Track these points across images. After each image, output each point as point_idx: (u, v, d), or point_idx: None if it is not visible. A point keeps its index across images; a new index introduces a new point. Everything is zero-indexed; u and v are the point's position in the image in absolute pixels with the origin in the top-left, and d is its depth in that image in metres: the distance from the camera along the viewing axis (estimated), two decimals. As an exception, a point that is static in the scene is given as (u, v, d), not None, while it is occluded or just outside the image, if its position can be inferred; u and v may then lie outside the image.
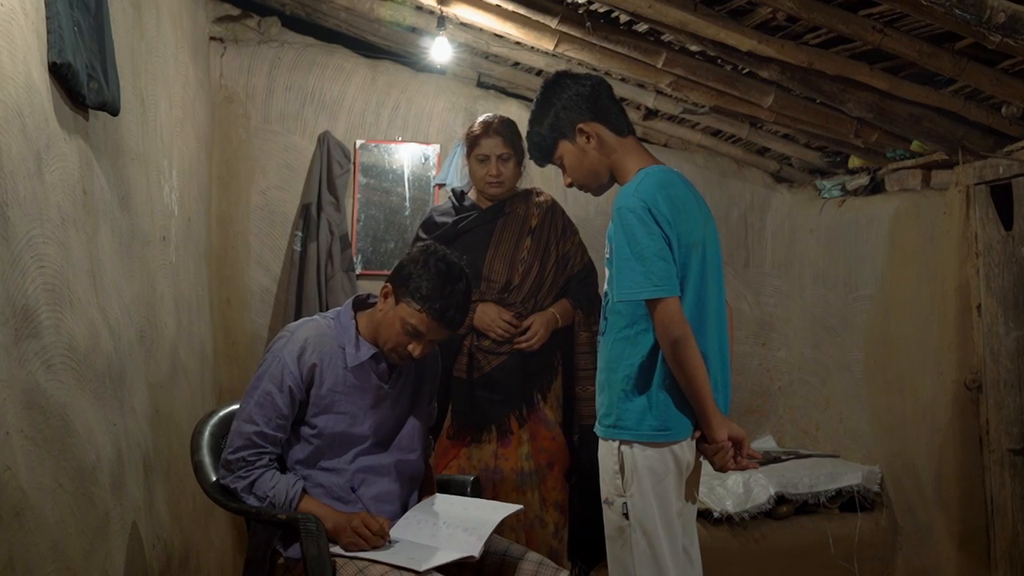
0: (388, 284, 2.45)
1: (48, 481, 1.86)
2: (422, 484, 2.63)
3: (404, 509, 2.52)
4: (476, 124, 3.29)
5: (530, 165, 3.43)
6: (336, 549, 2.29)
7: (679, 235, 2.26)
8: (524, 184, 3.43)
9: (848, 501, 4.12)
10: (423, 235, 3.35)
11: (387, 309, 2.43)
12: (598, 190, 2.50)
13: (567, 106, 2.41)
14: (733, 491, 3.96)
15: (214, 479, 2.43)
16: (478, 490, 2.79)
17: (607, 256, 2.37)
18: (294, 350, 2.40)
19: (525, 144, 2.60)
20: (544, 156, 2.50)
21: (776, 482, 4.03)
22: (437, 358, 2.69)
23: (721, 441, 2.28)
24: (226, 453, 2.39)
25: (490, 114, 3.36)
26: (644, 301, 2.24)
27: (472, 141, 3.26)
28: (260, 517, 2.35)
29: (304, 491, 2.37)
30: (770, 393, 4.92)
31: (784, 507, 4.03)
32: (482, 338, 3.21)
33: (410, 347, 2.41)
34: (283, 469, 2.44)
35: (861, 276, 4.35)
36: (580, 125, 2.40)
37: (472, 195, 3.39)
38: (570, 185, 2.50)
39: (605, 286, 2.43)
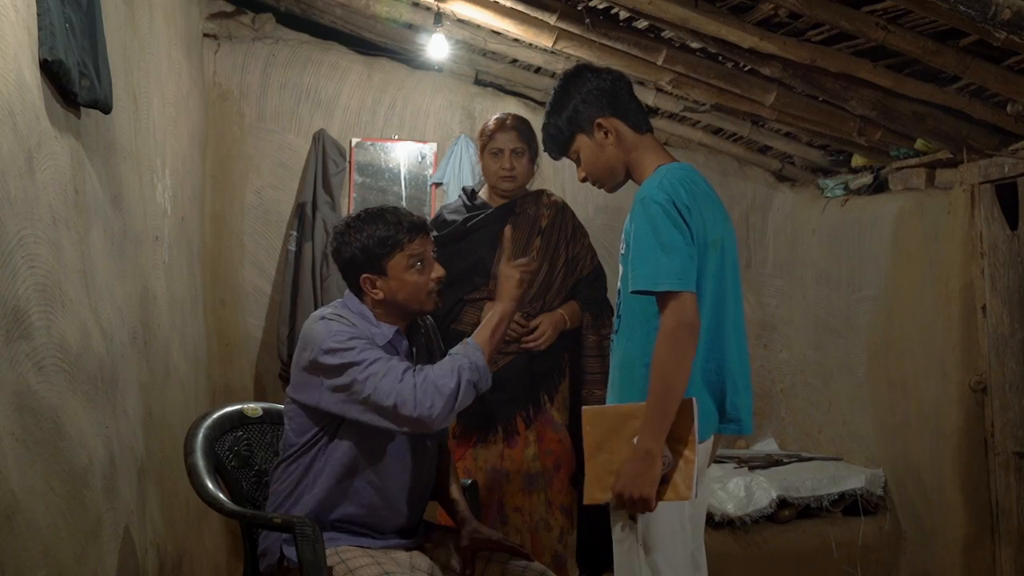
0: (364, 275, 2.36)
1: (39, 484, 1.83)
2: (439, 466, 2.57)
3: (429, 481, 2.48)
4: (490, 121, 3.31)
5: (541, 168, 3.41)
6: (337, 556, 2.25)
7: (697, 232, 2.22)
8: (535, 186, 3.41)
9: (851, 505, 4.09)
10: (433, 232, 3.34)
11: (384, 287, 2.36)
12: (612, 187, 2.46)
13: (586, 100, 2.37)
14: (734, 494, 3.92)
15: (208, 482, 2.38)
16: (475, 493, 2.76)
17: (622, 252, 2.32)
18: (338, 323, 2.29)
19: (540, 136, 2.55)
20: (560, 149, 2.45)
21: (778, 485, 4.00)
22: (437, 334, 2.66)
23: (643, 453, 2.07)
24: (401, 408, 2.21)
25: (504, 112, 3.37)
26: (657, 295, 2.17)
27: (487, 137, 3.26)
28: (255, 521, 2.32)
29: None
30: (772, 395, 4.89)
31: (786, 511, 4.00)
32: None
33: (432, 276, 2.40)
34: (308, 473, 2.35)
35: (864, 276, 4.32)
36: (598, 120, 2.36)
37: (483, 194, 3.38)
38: (584, 180, 2.46)
39: (619, 284, 2.36)
